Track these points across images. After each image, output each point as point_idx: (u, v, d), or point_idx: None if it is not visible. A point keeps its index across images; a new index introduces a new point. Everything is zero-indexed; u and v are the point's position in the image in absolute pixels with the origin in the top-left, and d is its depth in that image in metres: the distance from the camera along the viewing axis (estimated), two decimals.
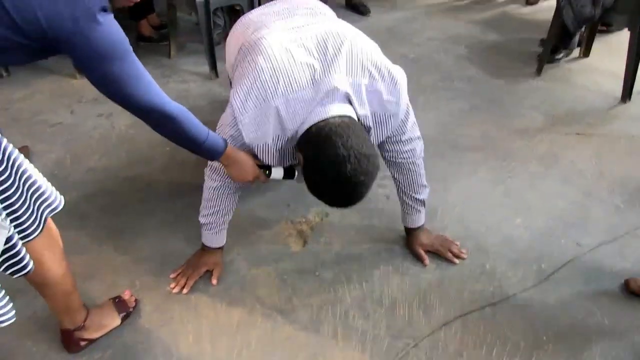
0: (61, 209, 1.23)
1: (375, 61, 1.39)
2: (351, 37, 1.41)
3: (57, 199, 1.22)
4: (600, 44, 3.10)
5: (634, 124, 2.48)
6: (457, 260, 1.73)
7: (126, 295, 1.56)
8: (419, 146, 1.59)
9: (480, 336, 1.51)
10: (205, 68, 2.81)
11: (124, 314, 1.52)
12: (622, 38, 3.20)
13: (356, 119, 1.37)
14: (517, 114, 2.56)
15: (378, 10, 3.67)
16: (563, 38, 2.86)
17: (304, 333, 1.52)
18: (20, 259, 1.11)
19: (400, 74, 1.43)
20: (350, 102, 1.37)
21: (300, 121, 1.35)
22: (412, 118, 1.52)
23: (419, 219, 1.73)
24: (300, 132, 1.36)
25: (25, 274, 1.14)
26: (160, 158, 2.17)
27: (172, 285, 1.63)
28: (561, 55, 2.99)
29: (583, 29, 2.86)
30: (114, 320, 1.50)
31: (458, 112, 2.57)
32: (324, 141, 1.28)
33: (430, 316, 1.57)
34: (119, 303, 1.53)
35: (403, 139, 1.53)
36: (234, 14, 3.06)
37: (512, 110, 2.58)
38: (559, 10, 2.66)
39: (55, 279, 1.29)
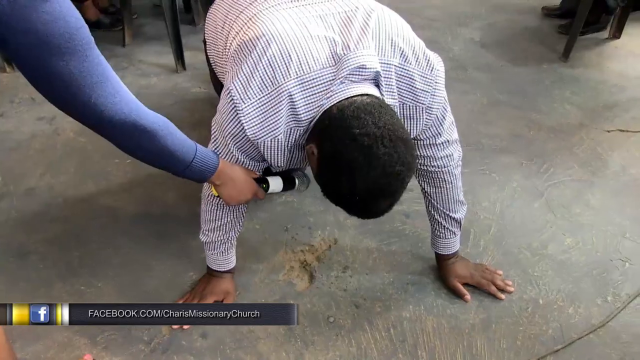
0: None
1: (409, 39, 1.26)
2: (379, 8, 1.28)
3: None
4: (632, 23, 3.02)
5: None
6: (503, 295, 1.60)
7: None
8: (457, 152, 1.47)
9: None
10: (170, 58, 2.66)
11: None
12: None
13: None
14: (547, 107, 2.47)
15: None
16: (594, 12, 2.76)
17: None
18: None
19: (438, 60, 1.29)
20: (378, 87, 1.22)
21: (318, 107, 1.18)
22: (450, 117, 1.39)
23: (453, 243, 1.60)
24: (317, 117, 1.19)
25: None
26: (120, 172, 2.00)
27: None
28: (588, 29, 2.89)
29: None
30: None
31: (478, 107, 2.47)
32: (349, 121, 1.10)
33: None
34: None
35: (438, 141, 1.39)
36: None
37: (541, 104, 2.50)
38: None
39: None
